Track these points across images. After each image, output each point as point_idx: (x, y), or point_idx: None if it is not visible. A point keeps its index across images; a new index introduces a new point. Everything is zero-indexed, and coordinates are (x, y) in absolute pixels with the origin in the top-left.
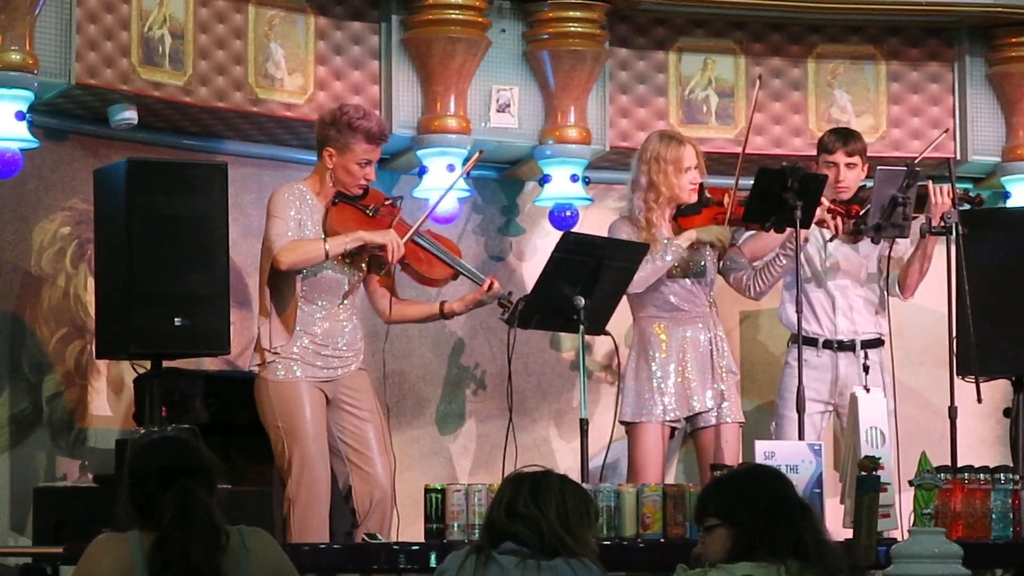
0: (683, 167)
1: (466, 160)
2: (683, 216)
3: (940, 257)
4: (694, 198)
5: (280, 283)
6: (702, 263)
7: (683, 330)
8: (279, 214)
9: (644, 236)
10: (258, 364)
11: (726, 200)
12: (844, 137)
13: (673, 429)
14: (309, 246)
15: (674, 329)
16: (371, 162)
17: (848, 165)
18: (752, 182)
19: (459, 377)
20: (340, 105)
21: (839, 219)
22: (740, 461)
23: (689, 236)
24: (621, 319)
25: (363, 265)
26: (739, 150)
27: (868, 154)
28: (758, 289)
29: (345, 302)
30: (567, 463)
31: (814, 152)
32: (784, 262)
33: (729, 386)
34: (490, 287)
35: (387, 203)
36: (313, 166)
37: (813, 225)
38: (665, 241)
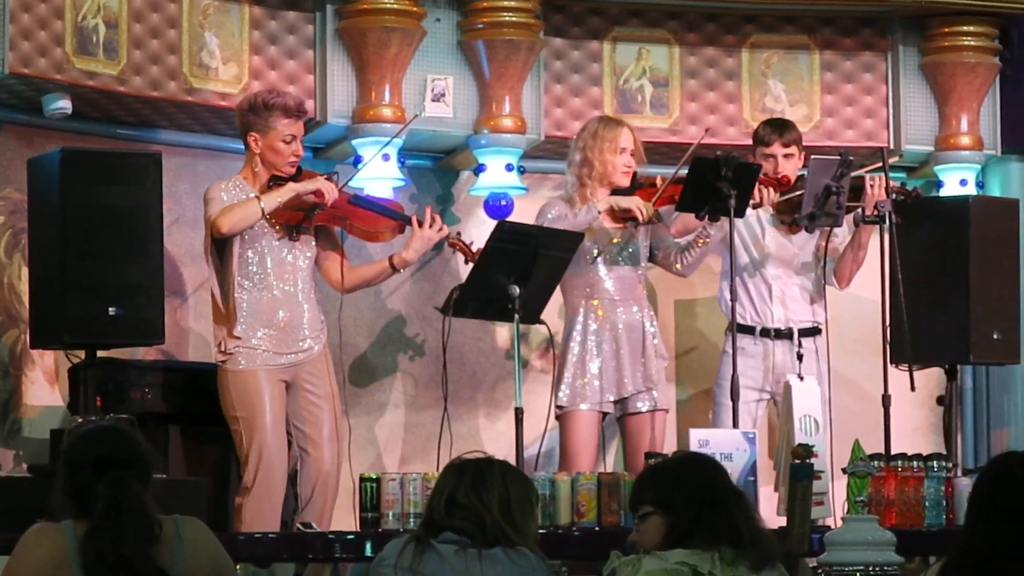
0: (618, 147)
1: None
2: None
3: (875, 247)
4: (626, 182)
5: (237, 273)
6: (634, 248)
7: (617, 314)
8: (213, 196)
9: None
10: (220, 355)
11: (659, 181)
12: (780, 128)
13: (604, 414)
14: (244, 205)
15: (608, 313)
16: (296, 137)
17: (786, 156)
18: (686, 171)
19: (393, 365)
20: (255, 92)
21: (770, 189)
22: (664, 448)
23: (608, 200)
24: (557, 308)
25: (312, 243)
26: (673, 139)
27: (802, 143)
28: (685, 263)
29: (301, 286)
30: (502, 452)
31: (748, 141)
32: (710, 233)
33: (659, 371)
34: (432, 222)
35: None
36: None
37: (749, 209)
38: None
